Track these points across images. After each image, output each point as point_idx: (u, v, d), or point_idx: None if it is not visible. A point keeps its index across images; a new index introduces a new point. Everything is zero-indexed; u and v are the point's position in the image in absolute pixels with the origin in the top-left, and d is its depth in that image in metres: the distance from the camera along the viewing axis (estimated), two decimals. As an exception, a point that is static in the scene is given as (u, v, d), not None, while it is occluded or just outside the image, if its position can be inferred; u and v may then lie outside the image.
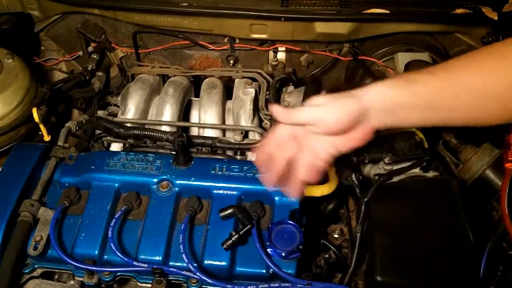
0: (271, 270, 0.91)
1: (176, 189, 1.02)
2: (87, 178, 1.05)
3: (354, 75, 1.51)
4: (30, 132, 1.25)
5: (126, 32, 1.60)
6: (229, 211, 0.96)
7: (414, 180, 1.10)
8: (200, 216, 1.01)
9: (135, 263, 0.92)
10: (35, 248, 0.95)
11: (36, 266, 1.00)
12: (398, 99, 0.77)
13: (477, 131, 1.26)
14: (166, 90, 1.29)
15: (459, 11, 1.30)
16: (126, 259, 0.92)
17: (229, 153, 1.20)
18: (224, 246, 0.92)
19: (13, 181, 1.03)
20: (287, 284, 0.88)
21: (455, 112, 0.78)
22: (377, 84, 0.79)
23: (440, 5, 1.34)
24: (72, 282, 0.98)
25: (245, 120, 1.25)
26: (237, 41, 1.53)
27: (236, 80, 1.35)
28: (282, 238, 0.93)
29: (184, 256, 0.90)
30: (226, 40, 1.53)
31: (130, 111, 1.28)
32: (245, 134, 1.24)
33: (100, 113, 1.31)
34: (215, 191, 1.02)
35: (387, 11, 1.32)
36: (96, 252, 0.95)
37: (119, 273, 0.95)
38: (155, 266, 0.90)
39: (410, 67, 1.32)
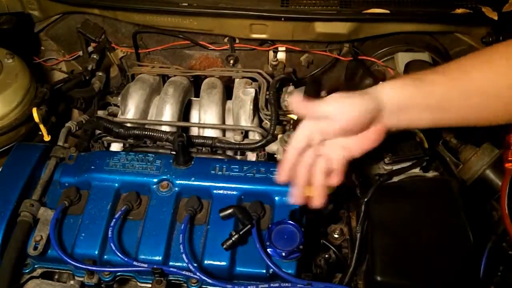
0: (271, 270, 0.91)
1: (176, 189, 1.02)
2: (87, 178, 1.05)
3: (354, 75, 1.51)
4: (30, 132, 1.25)
5: (126, 32, 1.60)
6: (229, 211, 0.96)
7: (414, 180, 1.11)
8: (200, 216, 1.01)
9: (135, 263, 0.92)
10: (35, 248, 0.95)
11: (36, 266, 1.00)
12: (410, 98, 0.78)
13: (477, 131, 1.26)
14: (166, 90, 1.29)
15: (459, 11, 1.30)
16: (126, 259, 0.92)
17: (229, 153, 1.20)
18: (224, 246, 0.92)
19: (13, 181, 1.03)
20: (287, 284, 0.88)
21: (466, 113, 0.79)
22: (388, 83, 0.80)
23: (440, 5, 1.34)
24: (72, 282, 0.98)
25: (245, 120, 1.25)
26: (237, 41, 1.53)
27: (236, 80, 1.35)
28: (282, 238, 0.93)
29: (184, 256, 0.90)
30: (226, 40, 1.53)
31: (130, 111, 1.28)
32: (245, 134, 1.24)
33: (100, 113, 1.31)
34: (215, 191, 1.02)
35: (387, 11, 1.32)
36: (96, 252, 0.95)
37: (119, 273, 0.95)
38: (155, 266, 0.90)
39: (410, 67, 1.32)
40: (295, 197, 0.86)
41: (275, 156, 1.19)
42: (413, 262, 0.94)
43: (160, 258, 0.94)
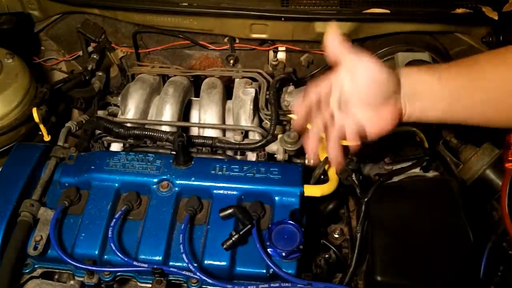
0: (271, 270, 0.91)
1: (176, 189, 1.02)
2: (87, 178, 1.05)
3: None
4: (30, 132, 1.25)
5: (126, 32, 1.60)
6: (229, 211, 0.96)
7: (414, 180, 1.11)
8: (200, 216, 1.01)
9: (135, 263, 0.92)
10: (35, 248, 0.95)
11: (36, 266, 1.00)
12: (425, 82, 0.79)
13: (477, 131, 1.26)
14: (166, 90, 1.29)
15: (459, 11, 1.30)
16: (126, 259, 0.92)
17: (229, 153, 1.20)
18: (224, 246, 0.91)
19: (13, 181, 1.03)
20: (287, 284, 0.88)
21: (479, 108, 0.79)
22: (405, 68, 0.80)
23: (440, 5, 1.34)
24: (72, 282, 0.98)
25: (245, 120, 1.25)
26: (237, 41, 1.53)
27: (236, 80, 1.34)
28: (282, 238, 0.93)
29: (184, 256, 0.90)
30: (226, 40, 1.53)
31: (130, 111, 1.28)
32: (245, 134, 1.24)
33: (100, 113, 1.31)
34: (215, 191, 1.02)
35: (387, 11, 1.32)
36: (96, 252, 0.95)
37: (119, 273, 0.95)
38: (155, 266, 0.90)
39: (410, 67, 1.32)
40: (309, 155, 0.86)
41: (275, 156, 1.19)
42: (413, 262, 0.94)
43: (160, 258, 0.94)
